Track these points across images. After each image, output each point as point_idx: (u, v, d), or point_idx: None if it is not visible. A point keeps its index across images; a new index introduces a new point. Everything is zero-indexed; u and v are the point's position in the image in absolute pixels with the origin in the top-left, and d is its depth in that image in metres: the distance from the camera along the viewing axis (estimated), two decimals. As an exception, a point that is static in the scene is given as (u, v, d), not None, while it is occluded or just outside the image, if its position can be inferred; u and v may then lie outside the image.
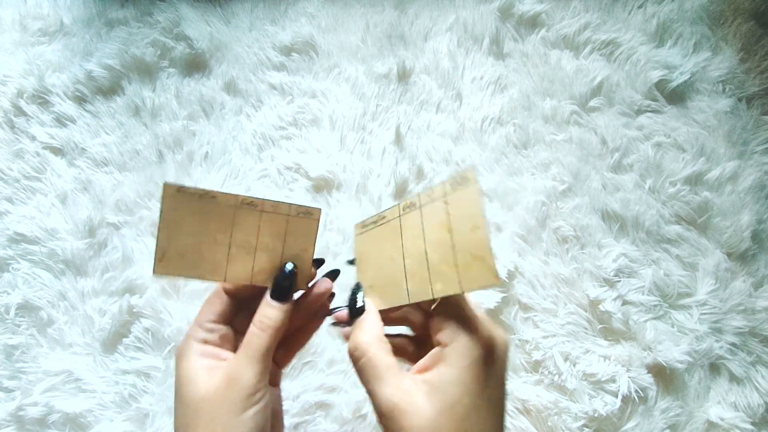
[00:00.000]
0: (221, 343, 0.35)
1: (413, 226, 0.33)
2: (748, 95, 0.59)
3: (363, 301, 0.33)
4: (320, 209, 0.39)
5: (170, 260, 0.35)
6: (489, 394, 0.27)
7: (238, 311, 0.36)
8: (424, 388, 0.28)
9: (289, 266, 0.36)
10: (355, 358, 0.30)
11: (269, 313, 0.34)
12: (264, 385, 0.32)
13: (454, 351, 0.28)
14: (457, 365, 0.27)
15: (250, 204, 0.37)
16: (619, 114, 0.59)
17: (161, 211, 0.35)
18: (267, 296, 0.34)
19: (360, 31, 0.64)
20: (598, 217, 0.56)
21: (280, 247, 0.38)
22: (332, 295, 0.39)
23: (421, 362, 0.29)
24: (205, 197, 0.36)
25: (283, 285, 0.35)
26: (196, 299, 0.54)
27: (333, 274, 0.40)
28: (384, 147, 0.59)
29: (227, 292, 0.36)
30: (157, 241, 0.34)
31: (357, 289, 0.35)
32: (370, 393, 0.29)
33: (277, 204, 0.38)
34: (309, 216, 0.39)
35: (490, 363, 0.28)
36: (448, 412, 0.27)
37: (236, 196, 0.37)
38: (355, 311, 0.33)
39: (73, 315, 0.55)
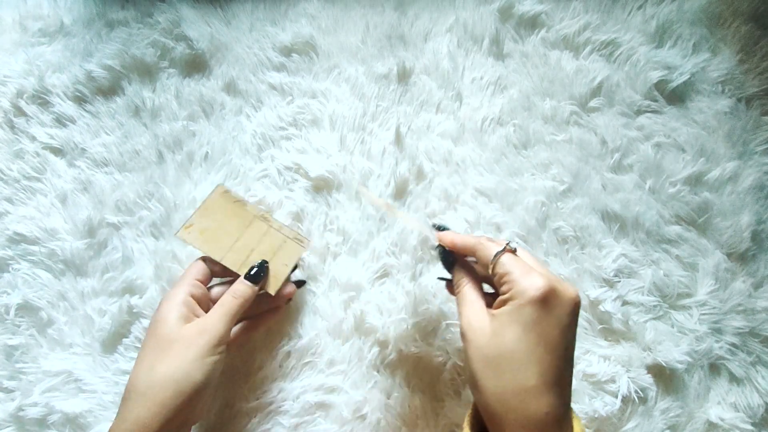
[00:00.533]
0: (200, 299, 0.44)
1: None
2: (747, 96, 0.59)
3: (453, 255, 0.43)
4: (311, 242, 0.53)
5: (193, 232, 0.47)
6: (540, 331, 0.33)
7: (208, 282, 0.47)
8: (489, 318, 0.36)
9: (264, 262, 0.47)
10: (456, 291, 0.40)
11: (242, 288, 0.45)
12: (226, 341, 0.42)
13: (513, 294, 0.35)
14: (513, 304, 0.34)
15: (265, 219, 0.50)
16: (619, 114, 0.59)
17: (205, 199, 0.49)
18: (242, 277, 0.46)
19: (360, 32, 0.64)
20: (597, 217, 0.56)
21: (270, 256, 0.48)
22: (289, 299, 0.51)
23: (495, 303, 0.37)
24: (239, 202, 0.50)
25: (257, 274, 0.46)
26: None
27: (299, 283, 0.53)
28: (384, 147, 0.59)
29: (205, 261, 0.47)
30: (192, 216, 0.48)
31: (442, 249, 0.43)
32: (459, 314, 0.38)
33: (282, 226, 0.51)
34: (300, 243, 0.50)
35: (547, 307, 0.34)
36: (498, 335, 0.34)
37: (259, 209, 0.51)
38: (450, 262, 0.43)
39: (73, 315, 0.55)
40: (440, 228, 0.44)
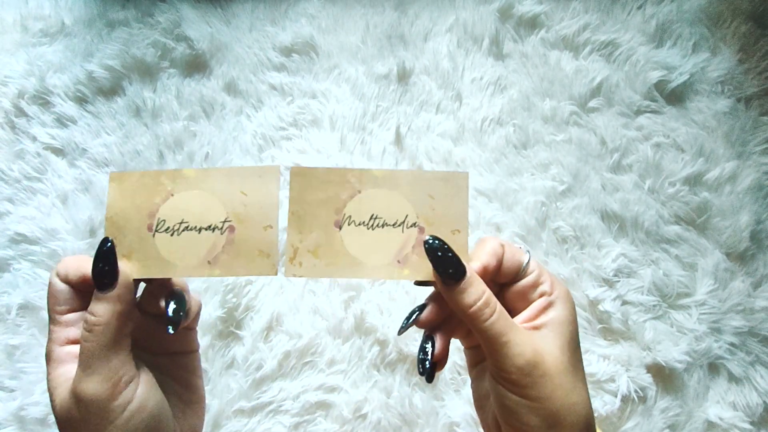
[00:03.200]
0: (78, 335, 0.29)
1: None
2: (746, 96, 0.59)
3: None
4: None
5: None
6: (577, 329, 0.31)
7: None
8: (542, 332, 0.29)
9: (106, 241, 0.29)
10: (489, 312, 0.28)
11: (95, 308, 0.28)
12: (123, 387, 0.28)
13: (560, 297, 0.30)
14: (566, 307, 0.30)
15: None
16: (619, 114, 0.59)
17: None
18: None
19: (360, 31, 0.64)
20: (597, 217, 0.56)
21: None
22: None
23: (527, 313, 0.31)
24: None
25: (99, 272, 0.28)
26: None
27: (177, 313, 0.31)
28: (384, 147, 0.59)
29: (63, 280, 0.29)
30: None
31: (452, 252, 0.29)
32: (505, 345, 0.28)
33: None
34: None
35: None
36: (567, 346, 0.29)
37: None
38: (460, 273, 0.28)
39: (74, 315, 0.56)
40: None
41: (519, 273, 0.31)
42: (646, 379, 0.51)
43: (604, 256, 0.55)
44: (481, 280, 0.29)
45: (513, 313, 0.31)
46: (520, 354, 0.28)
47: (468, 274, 0.28)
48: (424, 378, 0.30)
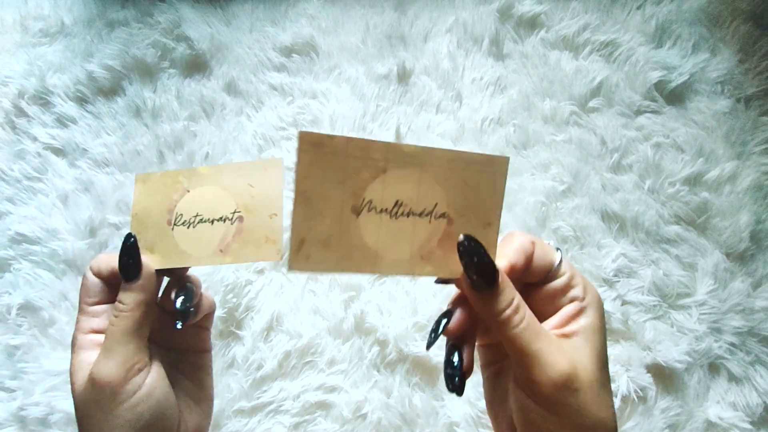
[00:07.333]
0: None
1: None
2: (746, 96, 0.59)
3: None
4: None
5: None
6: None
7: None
8: (573, 341, 0.27)
9: (129, 236, 0.31)
10: (519, 319, 0.26)
11: (122, 297, 0.30)
12: (135, 374, 0.30)
13: (592, 304, 0.28)
14: (597, 314, 0.28)
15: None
16: (619, 114, 0.59)
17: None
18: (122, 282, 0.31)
19: (360, 32, 0.64)
20: (597, 217, 0.56)
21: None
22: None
23: (556, 319, 0.28)
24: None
25: (125, 264, 0.31)
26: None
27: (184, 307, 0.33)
28: (384, 147, 0.59)
29: (96, 274, 0.32)
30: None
31: (488, 258, 0.26)
32: (537, 354, 0.26)
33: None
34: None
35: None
36: (598, 357, 0.27)
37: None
38: (494, 279, 0.26)
39: (75, 315, 0.55)
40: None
41: (549, 273, 0.29)
42: (646, 379, 0.51)
43: (604, 256, 0.55)
44: (512, 285, 0.27)
45: (540, 316, 0.28)
46: (554, 365, 0.26)
47: (500, 279, 0.26)
48: (454, 393, 0.29)
